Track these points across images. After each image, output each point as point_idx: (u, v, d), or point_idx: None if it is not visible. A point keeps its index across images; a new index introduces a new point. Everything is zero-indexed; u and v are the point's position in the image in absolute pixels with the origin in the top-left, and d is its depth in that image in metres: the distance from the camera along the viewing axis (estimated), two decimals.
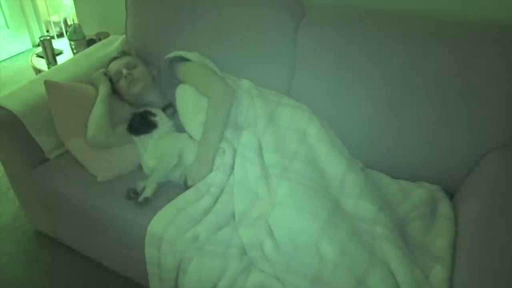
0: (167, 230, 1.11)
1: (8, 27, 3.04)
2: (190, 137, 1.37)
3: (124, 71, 1.46)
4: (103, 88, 1.45)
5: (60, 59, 2.12)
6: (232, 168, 1.28)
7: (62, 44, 2.31)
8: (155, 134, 1.36)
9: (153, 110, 1.40)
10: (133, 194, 1.23)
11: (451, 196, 1.27)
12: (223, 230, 1.13)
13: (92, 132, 1.34)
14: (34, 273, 1.54)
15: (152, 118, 1.36)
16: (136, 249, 1.18)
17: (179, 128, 1.42)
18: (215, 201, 1.20)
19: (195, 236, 1.10)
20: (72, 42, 2.07)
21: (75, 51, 2.09)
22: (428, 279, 0.98)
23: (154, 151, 1.33)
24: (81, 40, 2.06)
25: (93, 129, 1.35)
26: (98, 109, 1.38)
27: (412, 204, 1.22)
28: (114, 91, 1.50)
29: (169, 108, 1.46)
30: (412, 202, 1.23)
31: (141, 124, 1.35)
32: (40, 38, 2.05)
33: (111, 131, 1.38)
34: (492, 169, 1.14)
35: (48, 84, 1.38)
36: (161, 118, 1.39)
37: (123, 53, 1.60)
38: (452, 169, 1.26)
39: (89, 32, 2.14)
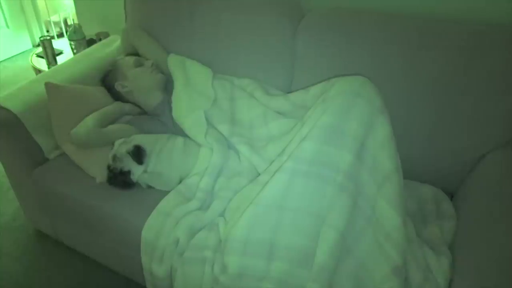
0: (158, 239, 1.12)
1: (8, 27, 3.04)
2: (185, 145, 1.34)
3: (147, 63, 1.50)
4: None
5: (60, 59, 2.12)
6: (220, 169, 1.26)
7: (62, 44, 2.31)
8: (156, 145, 1.31)
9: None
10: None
11: (451, 196, 1.27)
12: (199, 233, 1.11)
13: (83, 129, 1.31)
14: (34, 273, 1.54)
15: (129, 178, 1.28)
16: (135, 250, 1.18)
17: (177, 132, 1.39)
18: (202, 206, 1.18)
19: (175, 240, 1.10)
20: (72, 42, 2.07)
21: (75, 51, 2.09)
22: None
23: (154, 166, 1.29)
24: (81, 40, 2.06)
25: (86, 125, 1.32)
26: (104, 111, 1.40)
27: (418, 199, 1.23)
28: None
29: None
30: (417, 198, 1.23)
31: (121, 185, 1.28)
32: (40, 38, 2.05)
33: (94, 129, 1.33)
34: (492, 169, 1.14)
35: (49, 86, 1.38)
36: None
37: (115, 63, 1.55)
38: (452, 169, 1.26)
39: (89, 32, 2.14)
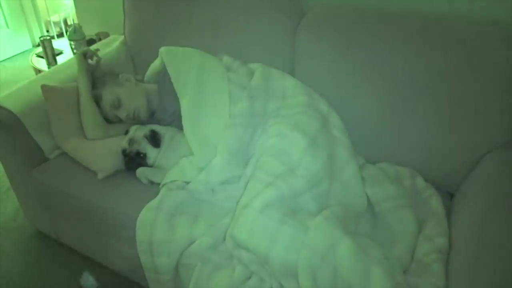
0: (153, 234, 1.12)
1: (8, 27, 3.05)
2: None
3: (123, 116, 1.40)
4: (83, 82, 1.39)
5: (60, 59, 2.12)
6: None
7: (62, 44, 2.31)
8: (168, 132, 1.35)
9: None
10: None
11: (451, 196, 1.27)
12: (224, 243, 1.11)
13: (90, 132, 1.39)
14: (34, 273, 1.54)
15: (145, 161, 1.32)
16: (135, 249, 1.18)
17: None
18: (190, 195, 1.20)
19: (191, 240, 1.10)
20: (72, 42, 2.07)
21: (75, 51, 2.09)
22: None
23: (163, 153, 1.32)
24: (81, 40, 2.06)
25: (91, 128, 1.38)
26: (87, 107, 1.38)
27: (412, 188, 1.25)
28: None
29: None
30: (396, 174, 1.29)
31: (136, 167, 1.31)
32: (40, 38, 2.05)
33: (105, 123, 1.41)
34: (491, 169, 1.14)
35: (45, 88, 1.38)
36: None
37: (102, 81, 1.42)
38: (452, 169, 1.26)
39: (89, 32, 2.14)
